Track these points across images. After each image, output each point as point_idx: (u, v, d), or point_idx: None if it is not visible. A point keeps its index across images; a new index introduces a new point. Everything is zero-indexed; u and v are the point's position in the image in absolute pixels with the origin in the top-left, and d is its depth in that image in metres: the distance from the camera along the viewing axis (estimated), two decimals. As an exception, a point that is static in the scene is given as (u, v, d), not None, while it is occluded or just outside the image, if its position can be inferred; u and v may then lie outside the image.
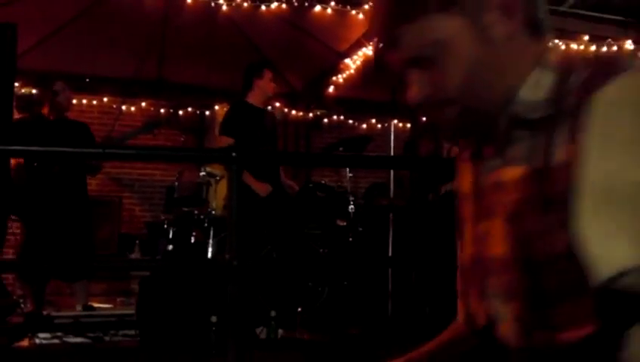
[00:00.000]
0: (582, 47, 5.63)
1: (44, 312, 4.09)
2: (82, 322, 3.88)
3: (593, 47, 5.62)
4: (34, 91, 6.70)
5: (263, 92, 4.75)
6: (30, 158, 4.45)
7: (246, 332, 3.33)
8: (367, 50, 6.17)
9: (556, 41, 5.62)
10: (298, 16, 5.80)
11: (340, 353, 3.48)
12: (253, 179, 4.47)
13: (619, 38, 5.52)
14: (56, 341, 3.70)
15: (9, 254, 5.01)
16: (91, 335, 3.73)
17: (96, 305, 4.80)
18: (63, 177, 4.51)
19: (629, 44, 5.54)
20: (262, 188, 4.51)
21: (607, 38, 5.52)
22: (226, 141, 4.50)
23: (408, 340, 3.74)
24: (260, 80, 4.72)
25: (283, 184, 4.88)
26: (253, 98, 4.74)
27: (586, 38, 5.53)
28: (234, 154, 2.94)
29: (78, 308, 4.52)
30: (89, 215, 4.77)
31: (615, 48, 5.59)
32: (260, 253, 4.44)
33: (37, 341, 3.65)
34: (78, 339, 3.72)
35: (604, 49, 5.60)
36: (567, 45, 5.64)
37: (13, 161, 4.44)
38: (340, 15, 5.68)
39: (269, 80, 4.75)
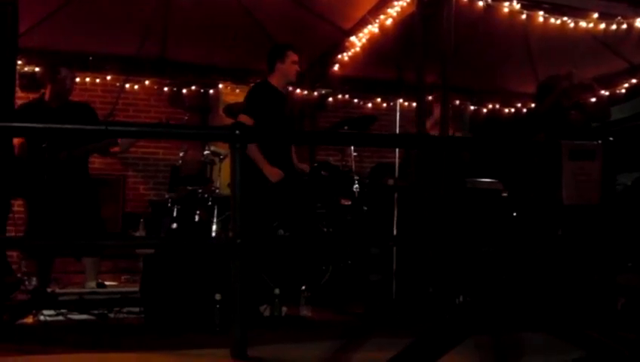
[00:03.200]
0: (591, 25, 5.54)
1: (49, 290, 4.10)
2: (86, 299, 3.88)
3: (602, 25, 5.52)
4: (37, 69, 6.67)
5: (284, 75, 4.71)
6: (34, 141, 4.43)
7: (250, 310, 3.32)
8: (373, 28, 6.10)
9: (565, 18, 5.54)
10: (302, -7, 5.74)
11: (344, 331, 3.48)
12: (267, 163, 4.45)
13: (629, 16, 5.42)
14: (60, 318, 3.70)
15: (11, 232, 5.01)
16: (95, 312, 3.73)
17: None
18: (67, 160, 4.48)
19: (639, 22, 5.45)
20: (274, 174, 4.49)
21: (616, 15, 5.43)
22: (246, 120, 4.47)
23: (412, 319, 3.74)
24: (282, 63, 4.67)
25: (295, 167, 4.86)
26: (275, 81, 4.70)
27: (596, 15, 5.44)
28: (237, 132, 2.92)
29: (91, 284, 4.52)
30: (93, 193, 4.74)
31: (625, 26, 5.50)
32: (266, 232, 4.43)
33: (41, 318, 3.65)
34: (83, 316, 3.73)
35: (614, 27, 5.51)
36: (576, 23, 5.55)
37: (16, 142, 4.41)
38: (345, -8, 5.62)
39: (291, 63, 4.68)
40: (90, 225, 4.52)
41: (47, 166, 4.40)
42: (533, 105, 8.01)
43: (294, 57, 4.70)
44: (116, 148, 4.76)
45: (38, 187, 4.39)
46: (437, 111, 5.19)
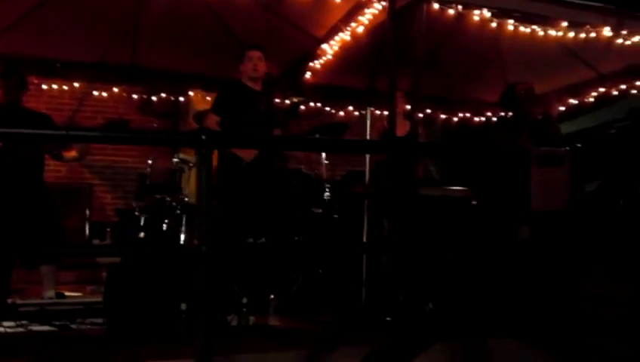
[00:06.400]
0: (560, 33, 5.59)
1: (9, 300, 3.97)
2: (48, 310, 3.76)
3: (572, 34, 5.58)
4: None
5: (246, 74, 4.76)
6: None
7: (215, 319, 3.25)
8: (345, 36, 6.09)
9: (534, 27, 5.58)
10: (274, 0, 5.71)
11: (313, 340, 3.42)
12: None
13: (597, 25, 5.49)
14: (21, 329, 3.58)
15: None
16: (57, 323, 3.62)
17: (66, 293, 4.67)
18: (17, 163, 4.34)
19: (607, 31, 5.52)
20: (246, 152, 4.47)
21: (585, 24, 5.49)
22: (213, 119, 4.55)
23: (381, 327, 3.69)
24: (242, 64, 4.75)
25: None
26: (245, 81, 4.75)
27: (565, 24, 5.49)
28: (204, 137, 2.86)
29: (50, 294, 4.38)
30: (48, 199, 4.59)
31: (593, 35, 5.56)
32: (241, 238, 4.35)
33: (1, 329, 3.53)
34: (44, 327, 3.61)
35: (583, 35, 5.57)
36: (546, 31, 5.60)
37: None
38: (317, -1, 5.59)
39: (247, 60, 4.71)
40: (46, 231, 4.37)
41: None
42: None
43: (250, 54, 4.74)
44: (72, 153, 4.63)
45: None
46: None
